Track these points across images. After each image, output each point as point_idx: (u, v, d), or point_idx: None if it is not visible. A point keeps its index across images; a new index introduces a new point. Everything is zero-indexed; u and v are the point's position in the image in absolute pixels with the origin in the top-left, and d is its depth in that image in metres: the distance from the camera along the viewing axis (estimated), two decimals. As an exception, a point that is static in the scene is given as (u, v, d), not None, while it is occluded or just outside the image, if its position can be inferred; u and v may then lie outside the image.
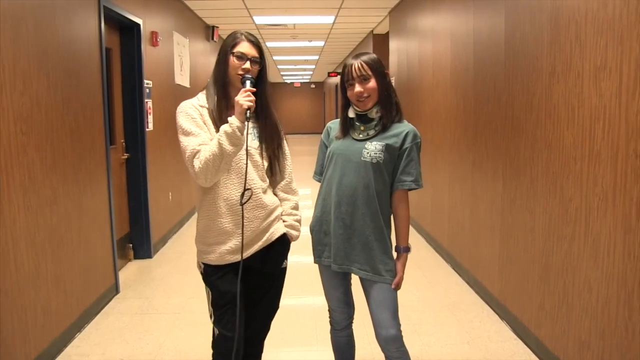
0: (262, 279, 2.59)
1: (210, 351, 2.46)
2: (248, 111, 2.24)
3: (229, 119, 2.26)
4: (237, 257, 2.41)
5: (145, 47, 5.75)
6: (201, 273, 2.51)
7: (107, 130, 4.59)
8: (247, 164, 2.32)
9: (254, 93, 2.29)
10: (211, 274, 2.46)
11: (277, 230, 2.53)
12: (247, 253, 2.43)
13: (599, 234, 2.76)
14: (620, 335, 2.60)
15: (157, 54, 6.27)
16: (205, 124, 2.37)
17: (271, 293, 2.65)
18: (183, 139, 2.32)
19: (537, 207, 3.43)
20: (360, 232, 2.49)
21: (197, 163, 2.26)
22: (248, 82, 2.32)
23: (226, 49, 2.37)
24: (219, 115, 2.37)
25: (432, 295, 4.64)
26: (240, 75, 2.35)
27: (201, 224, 2.46)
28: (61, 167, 3.70)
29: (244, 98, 2.24)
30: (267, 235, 2.49)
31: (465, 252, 4.97)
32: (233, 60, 2.35)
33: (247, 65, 2.34)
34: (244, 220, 2.37)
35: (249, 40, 2.38)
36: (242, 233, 2.35)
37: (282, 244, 2.56)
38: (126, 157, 5.53)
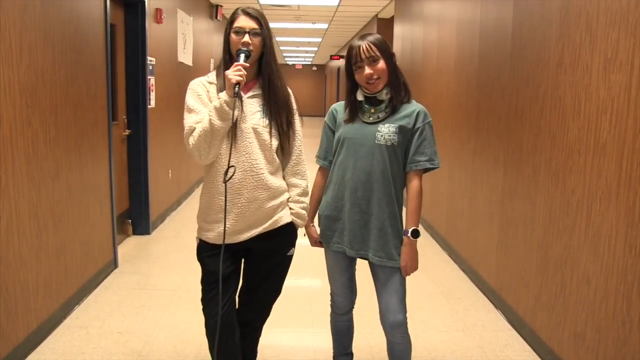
0: (266, 263, 2.54)
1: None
2: (237, 86, 2.20)
3: (220, 94, 2.27)
4: (235, 239, 2.38)
5: (150, 24, 5.72)
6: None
7: (110, 106, 4.57)
8: (231, 138, 2.30)
9: (246, 68, 2.26)
10: (203, 251, 2.46)
11: (283, 217, 2.46)
12: (249, 234, 2.40)
13: (601, 227, 2.76)
14: (616, 329, 2.62)
15: (161, 31, 6.23)
16: (210, 100, 2.36)
17: (274, 277, 2.58)
18: (185, 116, 2.36)
19: (538, 197, 3.44)
20: (377, 217, 2.44)
21: (191, 140, 2.29)
22: (242, 56, 2.29)
23: (227, 26, 2.37)
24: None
25: (428, 282, 4.67)
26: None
27: (202, 201, 2.46)
28: (64, 140, 3.69)
29: (233, 72, 2.22)
30: (271, 221, 2.42)
31: (463, 240, 4.99)
32: (232, 36, 2.34)
33: (246, 38, 2.30)
34: (244, 200, 2.34)
35: (246, 13, 2.34)
36: (225, 212, 2.30)
37: (290, 232, 2.50)
38: (128, 133, 5.52)
